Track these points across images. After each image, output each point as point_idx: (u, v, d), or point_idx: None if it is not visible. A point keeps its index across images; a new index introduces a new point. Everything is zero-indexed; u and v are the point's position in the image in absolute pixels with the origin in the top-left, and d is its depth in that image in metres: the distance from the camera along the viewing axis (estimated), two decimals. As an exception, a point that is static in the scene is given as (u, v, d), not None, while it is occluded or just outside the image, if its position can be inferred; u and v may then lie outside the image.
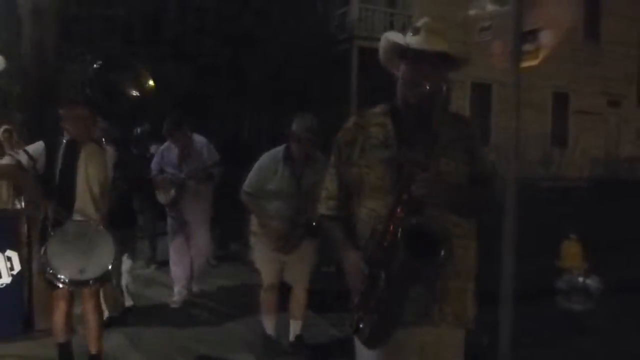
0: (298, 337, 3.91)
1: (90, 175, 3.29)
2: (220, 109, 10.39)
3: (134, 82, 4.39)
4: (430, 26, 1.90)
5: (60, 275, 3.08)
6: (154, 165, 5.21)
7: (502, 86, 16.23)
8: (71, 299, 3.33)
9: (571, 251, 4.88)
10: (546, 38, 2.61)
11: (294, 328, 3.92)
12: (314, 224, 3.37)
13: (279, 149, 3.69)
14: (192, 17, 9.43)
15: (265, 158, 3.70)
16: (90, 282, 3.18)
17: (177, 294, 5.17)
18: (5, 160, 3.29)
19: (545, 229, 5.97)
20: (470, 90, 15.89)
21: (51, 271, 3.08)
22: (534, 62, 2.69)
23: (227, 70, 10.07)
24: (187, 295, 5.21)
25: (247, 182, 3.69)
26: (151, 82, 4.76)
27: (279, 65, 10.79)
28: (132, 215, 4.81)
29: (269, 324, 3.93)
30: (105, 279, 3.36)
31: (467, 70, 2.84)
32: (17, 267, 3.95)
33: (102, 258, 3.20)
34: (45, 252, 3.10)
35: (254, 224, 3.80)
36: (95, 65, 4.42)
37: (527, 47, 2.65)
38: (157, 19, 9.29)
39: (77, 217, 3.25)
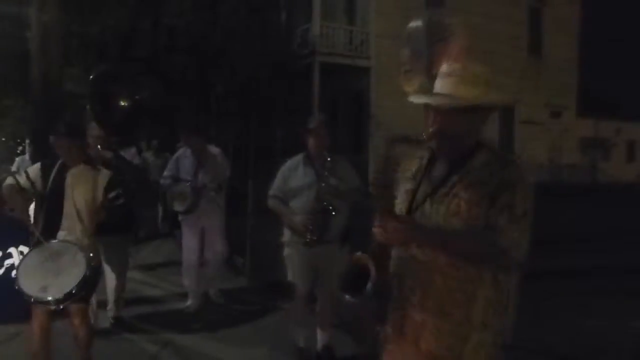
0: (326, 348, 3.86)
1: (77, 197, 3.37)
2: (188, 121, 11.09)
3: (128, 92, 4.38)
4: (451, 72, 1.90)
5: (24, 290, 3.06)
6: (168, 172, 5.28)
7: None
8: (48, 314, 3.33)
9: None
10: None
11: (322, 338, 3.87)
12: (331, 212, 3.45)
13: (301, 154, 3.79)
14: (164, 36, 10.17)
15: (287, 162, 3.81)
16: (51, 302, 3.11)
17: (190, 298, 5.24)
18: (8, 181, 3.43)
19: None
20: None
21: (16, 287, 3.07)
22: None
23: (196, 85, 10.84)
24: (201, 300, 5.27)
25: (272, 187, 3.78)
26: (143, 91, 4.80)
27: (244, 79, 11.57)
28: (129, 223, 4.85)
29: (299, 335, 3.94)
30: (77, 299, 3.22)
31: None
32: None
33: (66, 280, 3.13)
34: (17, 267, 3.19)
35: (285, 234, 3.79)
36: (91, 78, 4.36)
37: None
38: (130, 38, 9.96)
39: (63, 236, 3.34)
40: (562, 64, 20.02)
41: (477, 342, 1.83)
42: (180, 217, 5.29)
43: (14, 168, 7.89)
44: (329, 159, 3.61)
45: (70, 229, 3.34)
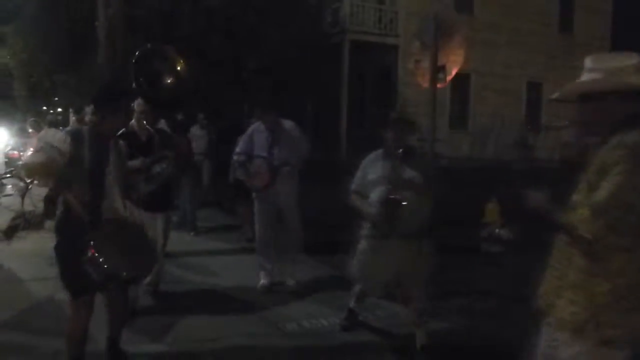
0: (423, 347, 3.81)
1: (116, 170, 3.24)
2: (223, 97, 11.85)
3: (170, 69, 4.12)
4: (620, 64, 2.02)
5: (101, 267, 2.87)
6: (241, 148, 5.14)
7: (479, 75, 17.80)
8: (92, 307, 3.20)
9: (491, 211, 6.58)
10: (449, 70, 4.23)
11: (419, 338, 3.83)
12: (401, 204, 3.41)
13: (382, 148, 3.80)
14: (202, 17, 10.88)
15: (368, 156, 3.85)
16: (126, 276, 3.09)
17: (263, 277, 5.17)
18: (36, 156, 3.01)
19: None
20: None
21: (107, 269, 2.87)
22: (443, 84, 4.30)
23: (231, 64, 11.57)
24: (271, 279, 5.18)
25: (352, 183, 3.81)
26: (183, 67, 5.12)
27: (276, 57, 12.22)
28: (169, 199, 4.86)
29: (354, 297, 4.10)
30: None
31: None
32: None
33: (136, 253, 3.13)
34: (95, 252, 2.87)
35: (363, 227, 3.76)
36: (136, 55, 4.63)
37: (439, 75, 4.26)
38: (172, 19, 10.72)
39: (109, 206, 3.15)
40: (593, 42, 19.92)
41: (596, 317, 1.97)
42: (254, 195, 5.20)
43: None
44: (400, 151, 3.55)
45: (115, 199, 3.19)
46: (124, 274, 3.05)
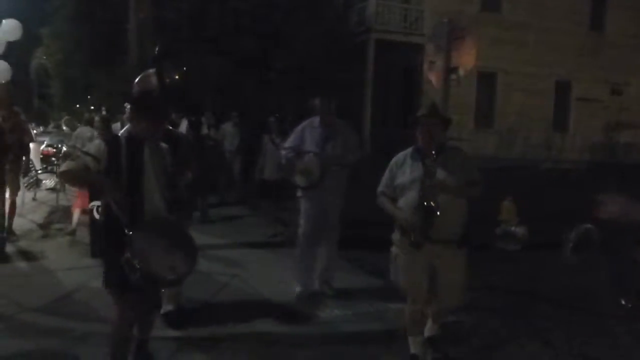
0: (431, 339, 3.70)
1: (158, 172, 3.19)
2: (250, 95, 12.15)
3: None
4: None
5: (155, 274, 2.91)
6: (290, 143, 4.85)
7: (506, 74, 17.67)
8: (137, 309, 3.20)
9: (507, 209, 6.65)
10: (461, 72, 4.36)
11: (431, 328, 3.71)
12: (435, 211, 3.16)
13: (410, 148, 3.51)
14: (230, 18, 11.18)
15: (395, 157, 3.55)
16: (178, 280, 3.11)
17: (300, 285, 4.86)
18: (71, 164, 3.14)
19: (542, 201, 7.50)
20: (476, 79, 16.98)
21: (145, 271, 2.84)
22: (456, 85, 4.45)
23: (258, 63, 11.85)
24: (309, 287, 4.89)
25: (380, 184, 3.57)
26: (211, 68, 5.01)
27: (302, 56, 12.45)
28: (189, 202, 4.82)
29: (415, 343, 3.58)
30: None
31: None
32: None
33: (183, 255, 3.07)
34: (135, 254, 2.85)
35: (395, 232, 3.51)
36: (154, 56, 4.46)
37: (452, 76, 4.40)
38: (201, 20, 11.05)
39: (149, 211, 3.11)
40: (625, 40, 19.53)
41: None
42: (299, 193, 4.88)
43: None
44: (434, 152, 3.26)
45: (153, 204, 3.15)
46: (162, 276, 2.98)
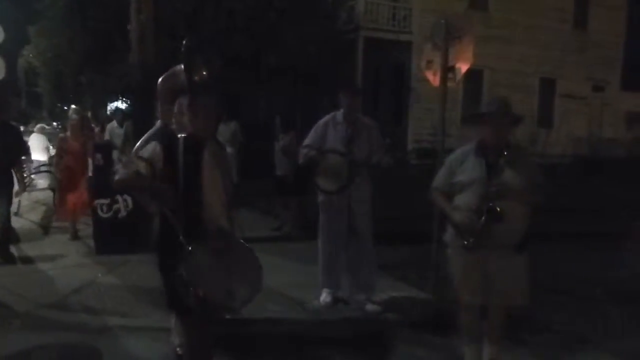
0: None
1: (217, 178, 2.86)
2: (243, 93, 12.27)
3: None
4: None
5: (211, 298, 2.55)
6: (311, 141, 4.36)
7: (492, 71, 18.00)
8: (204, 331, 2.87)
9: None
10: (458, 70, 4.57)
11: (490, 352, 3.32)
12: (497, 214, 2.94)
13: (470, 144, 3.26)
14: (224, 18, 11.30)
15: (454, 153, 3.32)
16: (238, 307, 2.66)
17: (326, 294, 4.50)
18: (122, 172, 2.85)
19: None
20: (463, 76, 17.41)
21: (201, 294, 2.50)
22: (453, 83, 4.65)
23: (251, 61, 11.99)
24: (335, 294, 4.53)
25: (435, 179, 3.35)
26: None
27: (294, 55, 12.61)
28: None
29: (470, 353, 3.34)
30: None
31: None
32: (131, 206, 6.05)
33: (246, 278, 2.69)
34: (187, 272, 2.54)
35: (447, 232, 3.30)
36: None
37: (449, 75, 4.60)
38: (195, 20, 11.16)
39: (207, 225, 2.76)
40: (607, 38, 20.01)
41: None
42: (321, 198, 4.40)
43: (106, 136, 9.27)
44: (505, 152, 3.05)
45: (214, 212, 2.81)
46: (218, 301, 2.61)
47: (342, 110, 4.36)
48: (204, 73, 3.64)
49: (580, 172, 15.87)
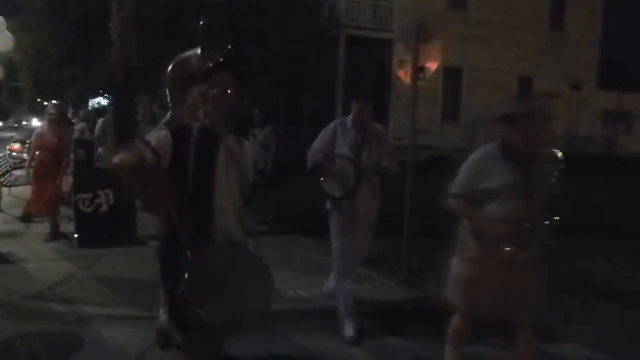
0: None
1: (233, 179, 2.50)
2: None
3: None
4: None
5: (210, 321, 2.25)
6: (321, 145, 4.23)
7: (471, 70, 18.34)
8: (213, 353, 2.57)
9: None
10: (428, 70, 4.80)
11: None
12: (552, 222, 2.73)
13: (492, 144, 2.93)
14: (206, 15, 11.37)
15: (476, 155, 2.96)
16: (245, 328, 2.43)
17: (348, 325, 4.13)
18: (123, 155, 2.33)
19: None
20: (442, 74, 17.45)
21: (200, 313, 2.22)
22: (423, 82, 4.88)
23: (233, 59, 12.10)
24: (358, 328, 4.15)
25: (456, 183, 2.95)
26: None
27: (276, 53, 12.75)
28: None
29: (453, 355, 3.17)
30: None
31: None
32: (112, 201, 6.18)
33: (254, 296, 2.38)
34: (188, 287, 2.24)
35: (467, 245, 2.96)
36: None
37: (420, 74, 4.83)
38: (177, 17, 11.22)
39: (220, 228, 2.45)
40: (583, 38, 20.51)
41: None
42: (329, 206, 4.25)
43: (97, 132, 9.28)
44: (540, 156, 2.82)
45: (226, 219, 2.47)
46: (222, 322, 2.29)
47: (351, 116, 4.22)
48: (220, 59, 3.43)
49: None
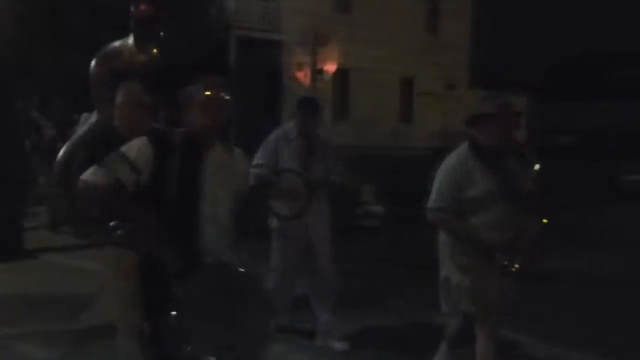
0: None
1: (221, 194, 2.21)
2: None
3: None
4: None
5: (204, 356, 1.96)
6: (264, 158, 3.75)
7: (357, 71, 19.21)
8: None
9: (367, 192, 7.73)
10: (326, 72, 5.09)
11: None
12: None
13: (461, 148, 2.76)
14: (87, 14, 10.79)
15: (450, 162, 2.76)
16: None
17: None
18: (98, 175, 2.04)
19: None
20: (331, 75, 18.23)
21: (190, 349, 1.94)
22: (321, 84, 5.15)
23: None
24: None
25: (434, 196, 2.75)
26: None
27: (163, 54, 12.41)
28: None
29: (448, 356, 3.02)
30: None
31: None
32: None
33: (250, 327, 2.08)
34: (177, 320, 1.96)
35: (458, 257, 2.77)
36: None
37: (318, 76, 5.09)
38: (61, 15, 10.52)
39: (209, 249, 2.16)
40: (455, 41, 22.36)
41: None
42: (274, 223, 3.81)
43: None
44: (512, 153, 2.74)
45: (214, 239, 2.18)
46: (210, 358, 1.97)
47: (294, 125, 3.83)
48: (155, 51, 3.09)
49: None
